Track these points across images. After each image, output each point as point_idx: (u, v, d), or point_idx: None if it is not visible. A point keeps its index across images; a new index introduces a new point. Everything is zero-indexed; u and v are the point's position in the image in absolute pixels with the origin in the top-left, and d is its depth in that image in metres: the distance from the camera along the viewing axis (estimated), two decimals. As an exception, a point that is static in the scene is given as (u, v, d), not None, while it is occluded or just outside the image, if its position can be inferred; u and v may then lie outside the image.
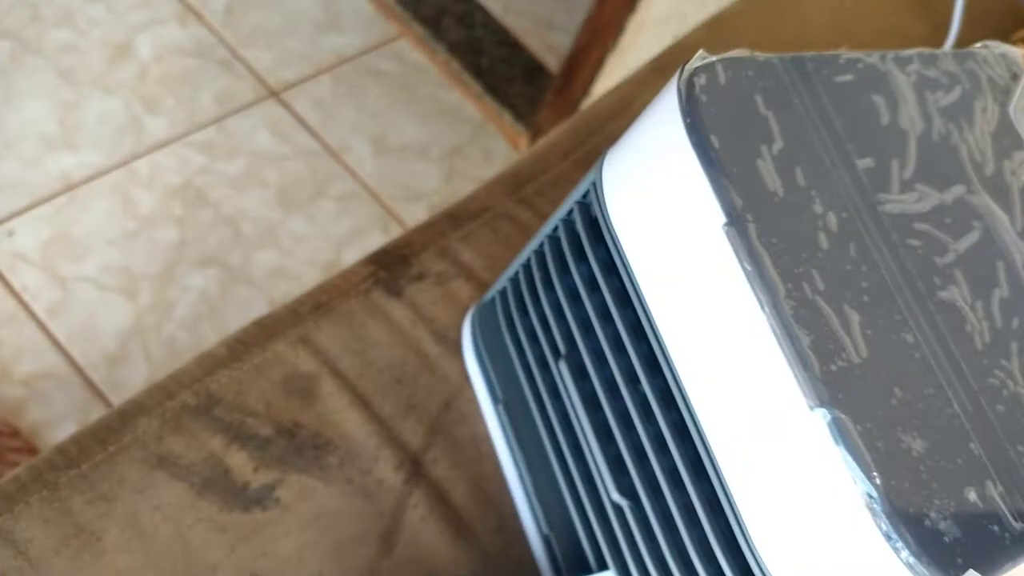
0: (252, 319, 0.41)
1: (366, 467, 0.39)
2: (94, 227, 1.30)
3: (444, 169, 1.47)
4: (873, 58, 0.30)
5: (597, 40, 1.30)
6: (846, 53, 0.30)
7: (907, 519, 0.23)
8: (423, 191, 1.44)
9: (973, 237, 0.28)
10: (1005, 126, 0.32)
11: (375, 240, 1.36)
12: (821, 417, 0.24)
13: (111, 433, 0.38)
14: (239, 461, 0.38)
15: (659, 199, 0.28)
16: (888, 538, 0.23)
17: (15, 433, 1.10)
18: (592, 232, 0.33)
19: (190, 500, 0.37)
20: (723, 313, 0.26)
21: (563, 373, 0.35)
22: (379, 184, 1.44)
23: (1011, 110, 0.32)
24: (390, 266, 0.45)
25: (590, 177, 0.32)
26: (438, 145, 1.50)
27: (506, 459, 0.41)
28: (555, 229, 0.35)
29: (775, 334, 0.24)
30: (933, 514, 0.23)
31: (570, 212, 0.34)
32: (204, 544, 0.36)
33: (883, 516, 0.23)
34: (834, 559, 0.25)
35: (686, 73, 0.27)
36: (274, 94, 1.49)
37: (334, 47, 1.56)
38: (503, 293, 0.40)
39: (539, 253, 0.36)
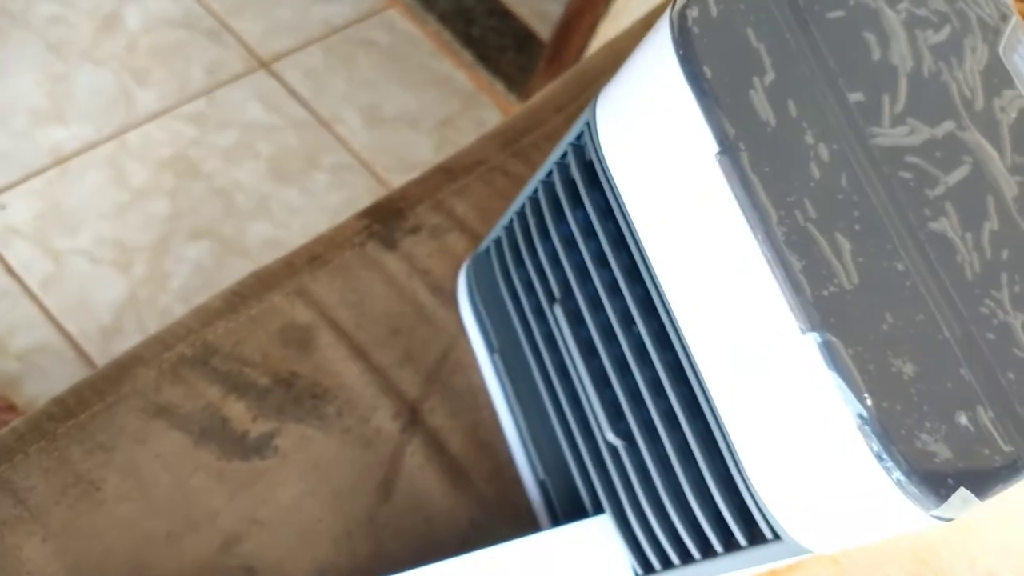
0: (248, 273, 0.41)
1: (364, 416, 0.39)
2: (86, 200, 1.29)
3: (436, 139, 1.47)
4: (864, -7, 0.30)
5: (589, 6, 1.29)
6: (837, -12, 0.30)
7: (898, 440, 0.23)
8: (416, 161, 1.44)
9: (963, 171, 0.28)
10: (994, 65, 0.32)
11: (368, 210, 1.35)
12: (813, 341, 0.24)
13: (109, 384, 0.38)
14: (237, 411, 0.38)
15: (653, 132, 0.28)
16: (880, 459, 0.23)
17: (11, 407, 1.10)
18: (586, 174, 0.33)
19: (189, 449, 0.37)
20: (716, 243, 0.26)
21: (559, 318, 0.35)
22: (371, 155, 1.44)
23: (1000, 50, 0.32)
24: (385, 219, 0.45)
25: (584, 118, 0.32)
26: (430, 115, 1.49)
27: (502, 407, 0.41)
28: (549, 174, 0.35)
29: (767, 260, 0.25)
30: (924, 436, 0.24)
31: (564, 155, 0.34)
32: (204, 492, 0.36)
33: (874, 437, 0.23)
34: (827, 485, 0.25)
35: (678, 6, 0.27)
36: (264, 65, 1.48)
37: (324, 17, 1.55)
38: (498, 242, 0.40)
39: (534, 199, 0.36)
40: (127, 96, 1.36)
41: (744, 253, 0.25)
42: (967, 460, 0.24)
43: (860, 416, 0.23)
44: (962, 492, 0.23)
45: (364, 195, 1.39)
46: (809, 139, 0.27)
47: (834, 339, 0.24)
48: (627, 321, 0.32)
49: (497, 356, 0.40)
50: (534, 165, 0.48)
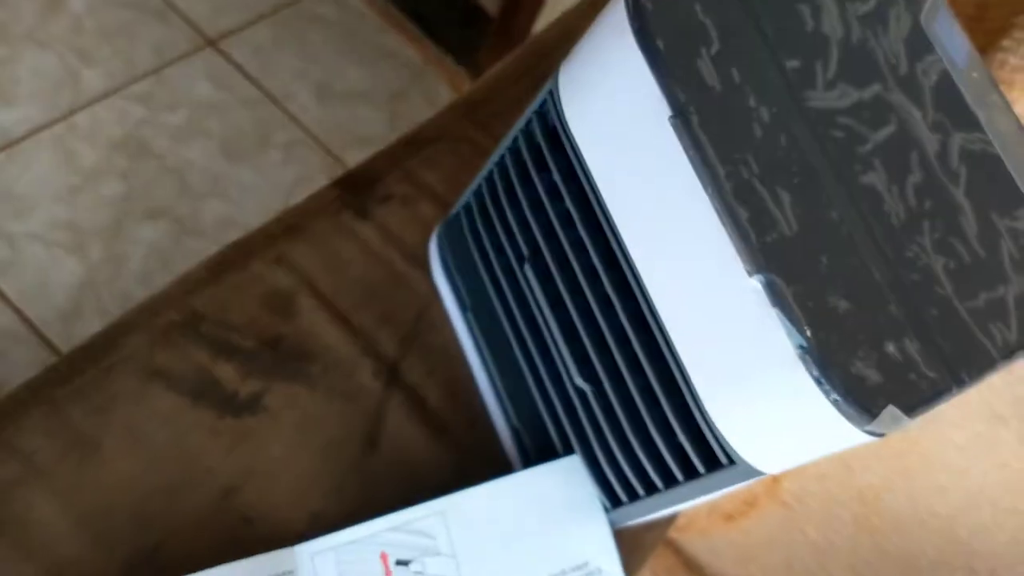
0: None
1: (347, 374, 0.42)
2: (38, 183, 1.28)
3: (388, 114, 1.48)
4: (798, -30, 0.33)
5: (535, -21, 1.31)
6: (774, -34, 0.33)
7: (835, 367, 0.27)
8: (368, 136, 1.45)
9: (889, 130, 0.32)
10: (916, 33, 0.35)
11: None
12: (758, 282, 0.27)
13: (103, 350, 0.40)
14: (227, 372, 0.40)
15: (611, 100, 0.31)
16: (819, 383, 0.26)
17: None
18: (550, 140, 0.35)
19: (184, 409, 0.39)
20: (672, 199, 0.29)
21: (528, 276, 0.38)
22: (323, 130, 1.45)
23: (922, 18, 0.36)
24: (356, 190, 0.47)
25: (547, 87, 0.35)
26: (381, 90, 1.50)
27: (475, 362, 0.44)
28: (515, 141, 0.38)
29: (717, 212, 0.28)
30: (857, 363, 0.27)
31: (529, 123, 0.36)
32: (200, 448, 0.39)
33: (814, 365, 0.27)
34: (775, 411, 0.28)
35: (632, -16, 0.30)
36: (211, 43, 1.48)
37: (270, -6, 1.55)
38: (468, 208, 0.42)
39: (501, 166, 0.39)
40: (74, 77, 1.35)
41: (696, 206, 0.28)
42: (895, 383, 0.27)
43: (801, 347, 0.27)
44: (891, 410, 0.27)
45: (318, 171, 1.40)
46: (751, 103, 0.29)
47: (777, 280, 0.27)
48: (592, 275, 0.35)
49: (470, 314, 0.43)
50: (495, 135, 0.51)
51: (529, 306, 0.39)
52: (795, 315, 0.27)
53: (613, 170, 0.32)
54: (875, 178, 0.30)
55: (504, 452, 0.43)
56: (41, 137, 1.30)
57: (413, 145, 0.50)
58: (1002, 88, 0.34)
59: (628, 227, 0.32)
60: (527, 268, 0.38)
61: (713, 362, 0.30)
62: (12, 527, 0.36)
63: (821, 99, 0.31)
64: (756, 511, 0.59)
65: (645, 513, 0.38)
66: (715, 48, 0.30)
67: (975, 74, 0.33)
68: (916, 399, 0.27)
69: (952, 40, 0.34)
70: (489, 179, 0.40)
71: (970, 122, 0.31)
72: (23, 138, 1.28)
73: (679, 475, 0.33)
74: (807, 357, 0.27)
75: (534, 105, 0.36)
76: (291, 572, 0.36)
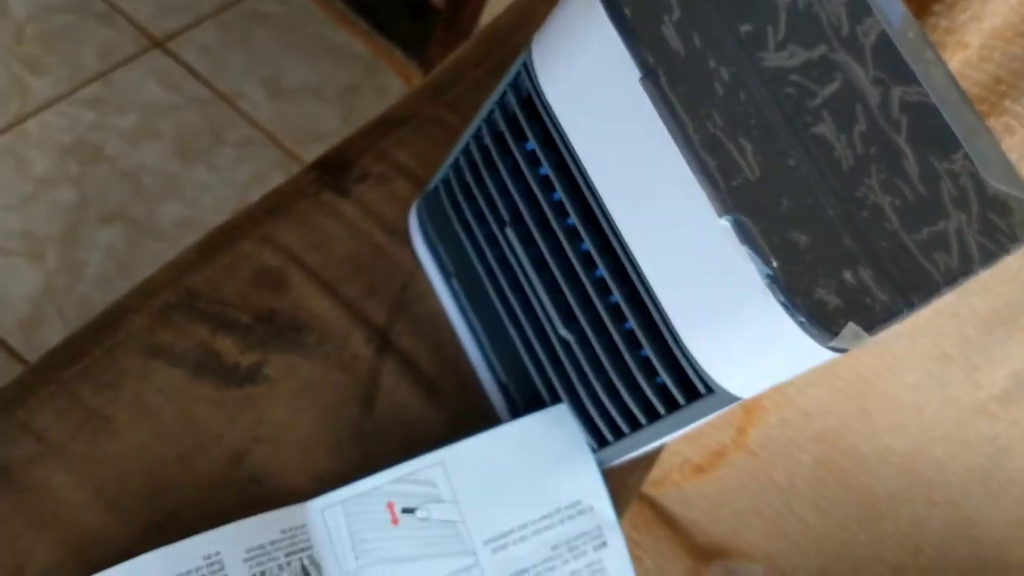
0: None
1: (340, 343, 0.44)
2: (-10, 192, 1.27)
3: (341, 108, 1.49)
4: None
5: (479, -30, 1.33)
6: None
7: (799, 293, 0.30)
8: (322, 131, 1.46)
9: (835, 86, 0.34)
10: (856, -2, 0.38)
11: (279, 183, 1.37)
12: (727, 222, 0.30)
13: (104, 331, 0.41)
14: (226, 346, 0.42)
15: (584, 66, 0.34)
16: (785, 308, 0.30)
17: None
18: (526, 110, 0.38)
19: (188, 382, 0.41)
20: (645, 154, 0.32)
21: (510, 238, 0.41)
22: (276, 127, 1.45)
23: (860, -16, 0.39)
24: (333, 171, 0.49)
25: (520, 59, 0.37)
26: (332, 85, 1.51)
27: (461, 325, 0.46)
28: (491, 113, 0.40)
29: (687, 162, 0.30)
30: (818, 289, 0.30)
31: (504, 95, 0.39)
32: (207, 418, 0.41)
33: (780, 292, 0.30)
34: (747, 338, 0.31)
35: (599, -41, 0.32)
36: (158, 44, 1.47)
37: (215, -7, 1.55)
38: (446, 180, 0.45)
39: (478, 137, 0.42)
40: (20, 85, 1.34)
41: (667, 159, 0.31)
42: (853, 306, 0.30)
43: (768, 277, 0.30)
44: (852, 327, 0.30)
45: (273, 167, 1.41)
46: (712, 64, 0.32)
47: (744, 219, 0.30)
48: (573, 233, 0.38)
49: (454, 280, 0.46)
50: (463, 113, 0.53)
51: (512, 267, 0.42)
52: (762, 250, 0.30)
53: (589, 132, 0.35)
54: (825, 128, 0.33)
55: (493, 407, 0.45)
56: (-10, 146, 1.29)
57: (384, 127, 0.52)
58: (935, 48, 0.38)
59: (606, 184, 0.35)
60: (509, 232, 0.41)
61: (689, 300, 0.33)
62: (32, 501, 0.37)
63: (773, 59, 0.34)
64: (724, 461, 0.62)
65: (631, 450, 0.41)
66: (676, 15, 0.33)
67: (910, 33, 0.36)
68: (873, 319, 0.30)
69: (888, 3, 0.37)
70: (466, 151, 0.43)
71: (908, 76, 0.34)
72: (-28, 147, 1.27)
73: (661, 409, 0.36)
74: (774, 286, 0.30)
75: (508, 78, 0.39)
76: (303, 526, 0.38)
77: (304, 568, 0.38)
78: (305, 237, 0.46)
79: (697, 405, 0.35)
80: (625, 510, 0.45)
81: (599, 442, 0.42)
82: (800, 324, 0.29)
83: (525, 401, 0.44)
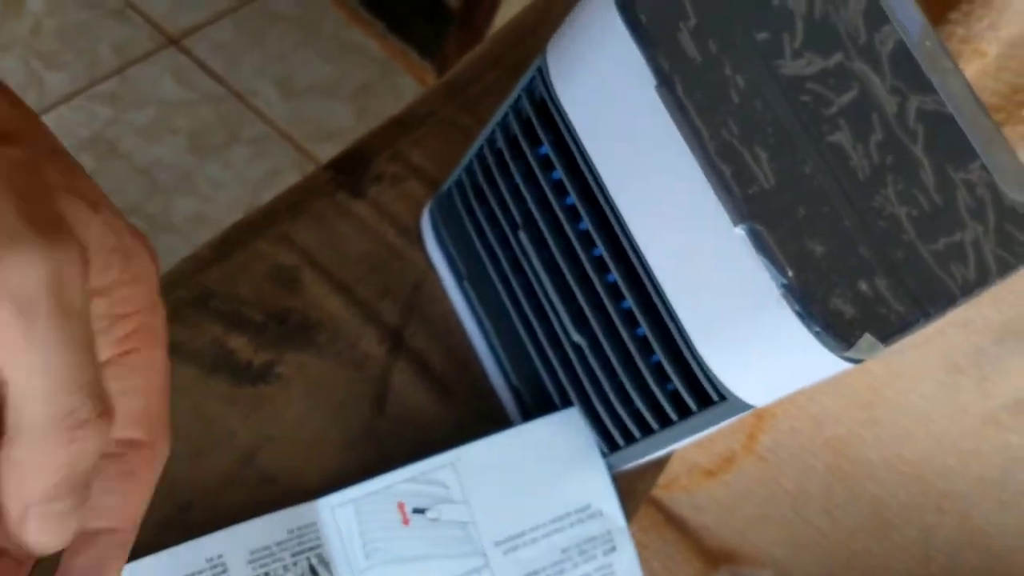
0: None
1: (353, 343, 0.44)
2: (6, 186, 1.28)
3: (354, 107, 1.50)
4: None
5: (495, -29, 1.33)
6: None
7: (814, 303, 0.30)
8: (335, 130, 1.46)
9: (852, 94, 0.34)
10: (873, 6, 0.38)
11: (293, 181, 1.38)
12: (743, 231, 0.30)
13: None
14: (239, 344, 0.43)
15: (599, 73, 0.34)
16: (800, 317, 0.30)
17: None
18: (540, 114, 0.38)
19: (201, 379, 0.41)
20: (660, 161, 0.32)
21: (523, 241, 0.41)
22: (290, 125, 1.46)
23: (878, -8, 0.39)
24: (349, 170, 0.49)
25: (535, 64, 0.37)
26: (346, 84, 1.52)
27: (473, 327, 0.46)
28: (505, 117, 0.40)
29: (703, 170, 0.31)
30: (834, 299, 0.30)
31: (518, 99, 0.39)
32: (220, 415, 0.41)
33: (795, 300, 0.30)
34: (761, 346, 0.31)
35: (616, -35, 0.33)
36: (173, 42, 1.48)
37: (231, -9, 1.56)
38: (459, 183, 0.45)
39: (491, 141, 0.42)
40: (37, 80, 1.35)
41: (682, 166, 0.31)
42: (868, 316, 0.30)
43: (784, 286, 0.30)
44: (867, 338, 0.30)
45: (286, 165, 1.42)
46: (728, 71, 0.32)
47: (760, 228, 0.30)
48: (585, 238, 0.38)
49: (466, 283, 0.46)
50: (479, 115, 0.53)
51: (524, 271, 0.42)
52: (777, 258, 0.30)
53: (603, 137, 0.35)
54: (841, 137, 0.33)
55: (504, 409, 0.46)
56: (7, 140, 1.30)
57: (400, 126, 0.52)
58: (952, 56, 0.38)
59: (620, 191, 0.35)
60: (521, 235, 0.41)
61: (703, 306, 0.33)
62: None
63: (790, 67, 0.34)
64: (734, 466, 0.62)
65: (642, 455, 0.41)
66: (692, 22, 0.33)
67: (928, 42, 0.36)
68: (888, 330, 0.30)
69: (906, 12, 0.37)
70: (480, 154, 0.43)
71: (925, 86, 0.34)
72: (-11, 141, 1.28)
73: (673, 416, 0.36)
74: (789, 295, 0.30)
75: (522, 82, 0.39)
76: (313, 524, 0.39)
77: (312, 567, 0.38)
78: (320, 237, 0.46)
79: (709, 412, 0.35)
80: (635, 514, 0.45)
81: (610, 446, 0.42)
82: (815, 334, 0.29)
83: (536, 404, 0.44)
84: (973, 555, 0.60)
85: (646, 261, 0.35)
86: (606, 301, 0.38)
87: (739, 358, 0.33)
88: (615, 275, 0.37)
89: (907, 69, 0.34)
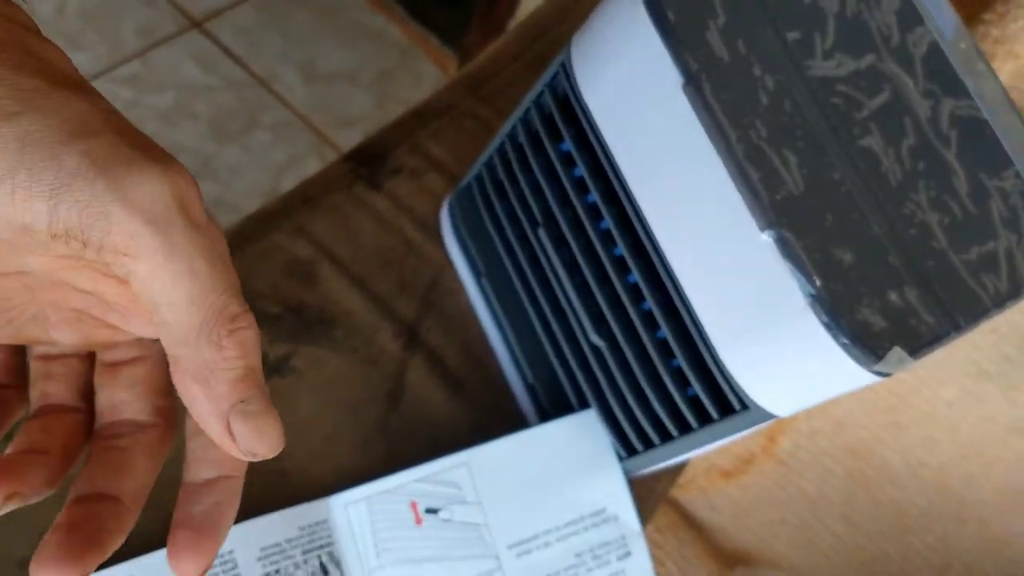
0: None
1: (368, 338, 0.44)
2: (27, 167, 1.28)
3: (375, 94, 1.49)
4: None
5: (520, -42, 1.32)
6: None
7: (842, 313, 0.29)
8: (356, 116, 1.46)
9: (884, 97, 0.34)
10: (907, 6, 0.37)
11: (313, 167, 1.38)
12: (770, 237, 0.29)
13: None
14: (255, 337, 0.42)
15: (624, 70, 0.33)
16: (828, 328, 0.29)
17: None
18: (563, 111, 0.37)
19: (216, 372, 0.41)
20: (685, 162, 0.31)
21: (543, 239, 0.40)
22: (311, 111, 1.45)
23: (912, -9, 0.38)
24: (367, 162, 0.49)
25: (558, 60, 0.37)
26: (367, 70, 1.51)
27: (490, 324, 0.46)
28: (527, 112, 0.40)
29: (730, 173, 0.30)
30: (863, 309, 0.29)
31: (541, 94, 0.38)
32: (233, 409, 0.41)
33: (823, 312, 0.29)
34: (786, 356, 0.31)
35: (644, -38, 0.32)
36: (196, 25, 1.48)
37: (254, -25, 1.55)
38: (479, 178, 0.44)
39: (512, 137, 0.41)
40: (59, 60, 1.35)
41: (710, 168, 0.30)
42: (898, 328, 0.29)
43: (811, 295, 0.29)
44: (897, 351, 0.29)
45: (307, 151, 1.41)
46: (757, 72, 0.31)
47: (787, 234, 0.29)
48: (606, 238, 0.37)
49: (484, 279, 0.45)
50: (499, 109, 0.52)
51: (543, 269, 0.41)
52: (805, 267, 0.29)
53: (627, 137, 0.34)
54: (872, 141, 0.32)
55: (520, 408, 0.45)
56: (29, 121, 1.30)
57: (420, 118, 0.51)
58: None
59: (643, 191, 0.34)
60: (541, 233, 0.40)
61: (727, 314, 0.32)
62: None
63: (820, 68, 0.33)
64: (753, 468, 0.61)
65: (660, 461, 0.40)
66: (721, 20, 0.32)
67: (962, 44, 0.35)
68: (918, 342, 0.29)
69: (940, 12, 0.36)
70: (501, 150, 0.42)
71: (959, 89, 0.33)
72: (11, 122, 1.28)
73: (693, 423, 0.36)
74: (817, 305, 0.29)
75: (545, 78, 0.38)
76: (325, 521, 0.38)
77: (323, 565, 0.38)
78: (337, 229, 0.46)
79: (731, 420, 0.34)
80: (651, 516, 0.45)
81: (627, 451, 0.41)
82: (843, 346, 0.28)
83: (552, 404, 0.44)
84: (991, 564, 0.59)
85: (668, 263, 0.34)
86: (626, 302, 0.37)
87: (763, 367, 0.32)
88: (636, 276, 0.36)
89: (941, 72, 0.33)
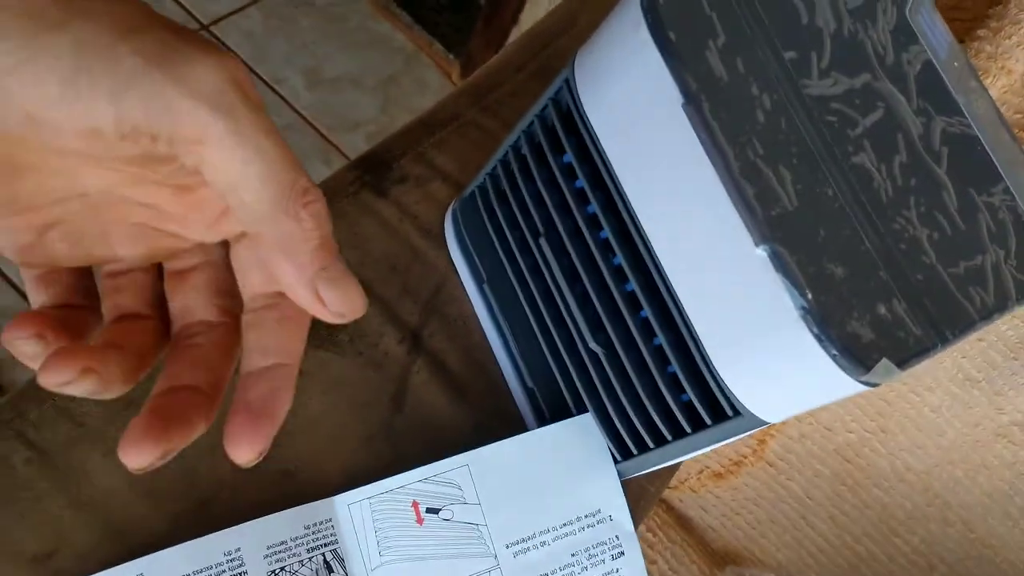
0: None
1: (373, 342, 0.45)
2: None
3: (379, 99, 1.50)
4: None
5: (524, -34, 1.33)
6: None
7: (833, 325, 0.30)
8: (360, 120, 1.47)
9: (878, 115, 0.35)
10: (902, 25, 0.38)
11: (317, 170, 1.39)
12: (764, 251, 0.30)
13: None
14: (262, 340, 0.43)
15: (626, 87, 0.34)
16: (819, 340, 0.30)
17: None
18: (565, 124, 0.38)
19: (224, 374, 0.42)
20: (684, 177, 0.32)
21: (544, 249, 0.41)
22: (316, 115, 1.47)
23: (907, 11, 0.39)
24: (373, 170, 0.50)
25: (562, 75, 0.38)
26: (371, 75, 1.52)
27: (491, 331, 0.47)
28: (530, 125, 0.41)
29: (726, 189, 0.31)
30: (853, 322, 0.30)
31: (544, 108, 0.39)
32: (240, 409, 0.42)
33: (814, 324, 0.30)
34: (777, 365, 0.32)
35: (646, -19, 0.33)
36: (204, 28, 1.49)
37: (260, -21, 1.56)
38: (483, 187, 0.45)
39: (515, 148, 0.42)
40: (66, 61, 1.36)
41: (706, 184, 0.31)
42: (886, 340, 0.30)
43: (803, 308, 0.30)
44: (884, 363, 0.30)
45: (311, 154, 1.42)
46: (754, 91, 0.33)
47: (781, 249, 0.30)
48: (605, 248, 0.38)
49: (486, 286, 0.46)
50: (503, 119, 0.54)
51: (544, 277, 0.42)
52: (797, 280, 0.30)
53: (627, 150, 0.35)
54: (865, 158, 0.33)
55: (520, 412, 0.46)
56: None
57: (426, 128, 0.53)
58: (978, 74, 0.38)
59: (642, 204, 0.35)
60: (542, 242, 0.41)
61: (721, 322, 0.33)
62: (70, 483, 0.39)
63: (816, 87, 0.34)
64: (743, 469, 0.62)
65: (653, 464, 0.41)
66: (721, 40, 0.33)
67: (956, 63, 0.36)
68: (906, 354, 0.30)
69: (935, 32, 0.37)
70: (504, 160, 0.43)
71: (951, 107, 0.34)
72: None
73: (687, 427, 0.37)
74: (808, 317, 0.30)
75: (549, 92, 0.39)
76: (329, 520, 0.39)
77: (327, 562, 0.39)
78: (344, 235, 0.47)
79: (723, 426, 0.35)
80: (644, 517, 0.46)
81: (622, 454, 0.42)
82: (833, 357, 0.30)
83: (551, 408, 0.45)
84: (976, 566, 0.60)
85: (665, 273, 0.35)
86: (624, 310, 0.38)
87: (755, 375, 0.33)
88: (633, 284, 0.37)
89: (934, 90, 0.34)
